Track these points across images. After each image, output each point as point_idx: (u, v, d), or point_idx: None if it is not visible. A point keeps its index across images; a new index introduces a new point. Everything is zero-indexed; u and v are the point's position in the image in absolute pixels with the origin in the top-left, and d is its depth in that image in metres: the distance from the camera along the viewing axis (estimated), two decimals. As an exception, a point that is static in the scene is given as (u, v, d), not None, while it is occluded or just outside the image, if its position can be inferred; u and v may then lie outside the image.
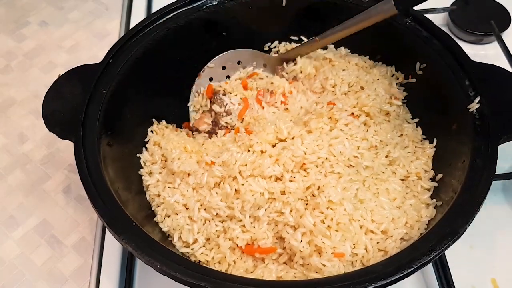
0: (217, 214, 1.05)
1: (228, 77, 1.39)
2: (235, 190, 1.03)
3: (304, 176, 1.04)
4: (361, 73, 1.28)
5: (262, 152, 1.07)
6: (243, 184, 1.03)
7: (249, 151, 1.09)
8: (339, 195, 0.99)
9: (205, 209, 1.06)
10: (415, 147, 1.18)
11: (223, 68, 1.37)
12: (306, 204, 1.02)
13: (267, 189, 1.02)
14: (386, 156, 1.13)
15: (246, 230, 1.03)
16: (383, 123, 1.19)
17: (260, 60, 1.39)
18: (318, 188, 1.01)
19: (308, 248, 0.97)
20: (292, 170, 1.04)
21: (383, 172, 1.11)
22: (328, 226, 0.97)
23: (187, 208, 1.08)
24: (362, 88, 1.23)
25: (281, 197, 1.02)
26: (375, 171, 1.10)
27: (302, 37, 1.39)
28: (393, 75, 1.30)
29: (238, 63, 1.39)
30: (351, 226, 0.98)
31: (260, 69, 1.40)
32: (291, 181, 1.03)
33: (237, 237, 1.02)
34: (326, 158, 1.05)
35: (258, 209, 1.02)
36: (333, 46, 1.38)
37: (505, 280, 1.11)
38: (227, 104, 1.31)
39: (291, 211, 1.01)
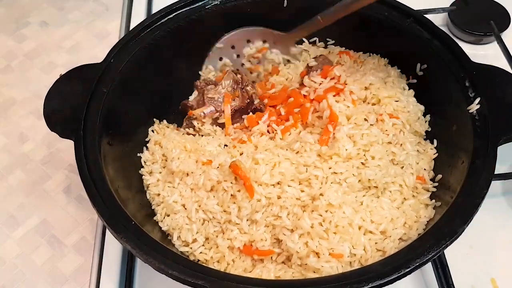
0: (213, 217, 1.05)
1: (238, 56, 1.39)
2: (231, 195, 1.03)
3: (306, 186, 1.04)
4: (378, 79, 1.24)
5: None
6: (239, 191, 1.03)
7: (242, 154, 1.10)
8: (339, 199, 0.99)
9: (203, 210, 1.06)
10: (418, 146, 1.18)
11: (233, 47, 1.38)
12: (304, 206, 1.02)
13: (264, 195, 1.02)
14: (402, 167, 1.13)
15: (244, 232, 1.03)
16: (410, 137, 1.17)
17: (270, 37, 1.38)
18: (320, 195, 1.01)
19: (305, 249, 0.97)
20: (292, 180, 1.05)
21: (395, 177, 1.10)
22: (326, 228, 0.97)
23: (185, 208, 1.08)
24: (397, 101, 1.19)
25: (278, 201, 1.01)
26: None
27: (303, 38, 1.40)
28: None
29: (248, 41, 1.38)
30: (350, 229, 0.98)
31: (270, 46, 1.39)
32: (289, 185, 1.03)
33: (235, 238, 1.02)
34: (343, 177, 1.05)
35: (256, 212, 1.02)
36: (333, 46, 1.38)
37: (505, 280, 1.10)
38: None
39: (288, 214, 1.01)
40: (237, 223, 1.03)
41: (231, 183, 1.04)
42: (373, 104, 1.19)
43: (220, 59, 1.38)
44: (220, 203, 1.04)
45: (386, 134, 1.12)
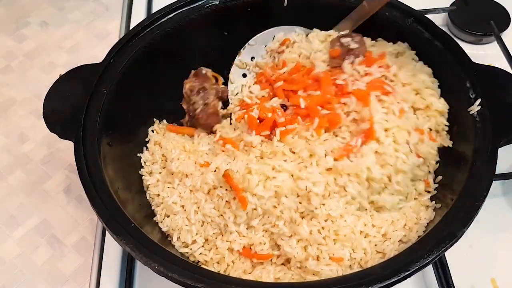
0: (212, 220, 1.05)
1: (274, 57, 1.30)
2: (226, 201, 1.02)
3: (306, 202, 1.00)
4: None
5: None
6: (234, 198, 1.01)
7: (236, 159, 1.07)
8: (340, 209, 0.98)
9: (201, 213, 1.06)
10: None
11: (266, 46, 1.30)
12: (302, 212, 1.00)
13: (259, 205, 0.99)
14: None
15: (242, 236, 1.02)
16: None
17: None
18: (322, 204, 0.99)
19: (304, 254, 0.97)
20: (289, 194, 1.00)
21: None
22: (325, 236, 0.96)
23: (185, 210, 1.08)
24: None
25: (274, 211, 0.98)
26: None
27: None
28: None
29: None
30: (352, 235, 0.97)
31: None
32: (286, 196, 0.99)
33: (234, 241, 1.02)
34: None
35: (253, 219, 1.01)
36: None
37: (505, 280, 1.10)
38: None
39: (285, 222, 0.99)
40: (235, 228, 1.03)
41: (226, 190, 1.02)
42: (416, 110, 1.11)
43: (252, 58, 1.31)
44: (216, 208, 1.04)
45: (419, 157, 1.06)
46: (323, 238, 0.96)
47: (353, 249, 0.97)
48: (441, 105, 1.11)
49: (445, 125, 1.11)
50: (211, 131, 1.23)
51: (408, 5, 1.22)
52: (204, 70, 1.30)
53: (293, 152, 1.05)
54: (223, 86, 1.31)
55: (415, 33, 1.19)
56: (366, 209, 1.02)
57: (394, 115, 1.05)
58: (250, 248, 1.02)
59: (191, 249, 1.04)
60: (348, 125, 1.06)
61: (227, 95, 1.29)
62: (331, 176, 1.00)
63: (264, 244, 1.01)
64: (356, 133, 1.03)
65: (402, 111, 1.06)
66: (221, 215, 1.03)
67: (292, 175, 1.01)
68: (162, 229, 1.09)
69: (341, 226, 0.97)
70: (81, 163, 0.98)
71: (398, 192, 1.02)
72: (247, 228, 1.02)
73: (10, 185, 1.41)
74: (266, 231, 1.02)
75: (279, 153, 1.05)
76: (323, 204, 0.98)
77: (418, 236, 0.97)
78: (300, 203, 1.00)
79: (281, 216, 0.99)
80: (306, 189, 0.98)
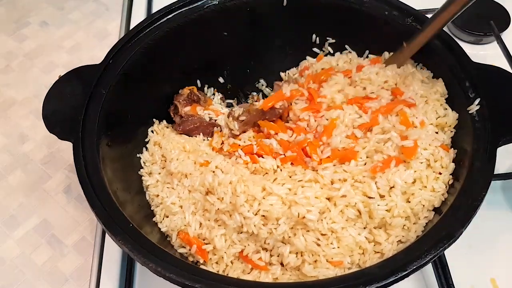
0: (209, 220, 1.05)
1: None
2: (218, 209, 1.01)
3: (306, 233, 0.98)
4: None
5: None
6: (226, 212, 1.01)
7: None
8: (341, 223, 0.97)
9: (198, 214, 1.06)
10: None
11: None
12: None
13: (248, 224, 0.97)
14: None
15: (234, 244, 1.02)
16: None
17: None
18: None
19: (299, 259, 0.96)
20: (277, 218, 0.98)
21: None
22: (326, 244, 0.96)
23: (183, 210, 1.08)
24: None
25: (264, 230, 0.97)
26: None
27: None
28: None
29: None
30: (353, 244, 0.96)
31: None
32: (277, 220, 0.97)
33: (229, 246, 1.02)
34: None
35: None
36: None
37: (505, 280, 1.10)
38: None
39: (277, 240, 0.99)
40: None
41: (218, 198, 1.02)
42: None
43: None
44: (207, 216, 1.04)
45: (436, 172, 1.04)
46: (322, 246, 0.95)
47: (352, 251, 0.97)
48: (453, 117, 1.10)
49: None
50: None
51: (408, 5, 1.22)
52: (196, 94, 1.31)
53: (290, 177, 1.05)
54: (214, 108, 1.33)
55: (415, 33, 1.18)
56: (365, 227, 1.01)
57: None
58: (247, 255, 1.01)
59: (190, 249, 1.04)
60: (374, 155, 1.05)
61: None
62: (329, 201, 0.99)
63: (259, 252, 1.00)
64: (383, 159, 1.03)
65: (423, 124, 1.07)
66: (215, 220, 1.03)
67: (282, 199, 0.98)
68: (161, 230, 1.09)
69: (344, 237, 0.96)
70: (80, 164, 0.97)
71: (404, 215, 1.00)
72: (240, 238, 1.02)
73: (10, 185, 1.41)
74: (259, 240, 1.01)
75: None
76: (324, 218, 0.97)
77: (417, 236, 0.96)
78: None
79: (272, 236, 0.97)
80: (299, 216, 0.96)
